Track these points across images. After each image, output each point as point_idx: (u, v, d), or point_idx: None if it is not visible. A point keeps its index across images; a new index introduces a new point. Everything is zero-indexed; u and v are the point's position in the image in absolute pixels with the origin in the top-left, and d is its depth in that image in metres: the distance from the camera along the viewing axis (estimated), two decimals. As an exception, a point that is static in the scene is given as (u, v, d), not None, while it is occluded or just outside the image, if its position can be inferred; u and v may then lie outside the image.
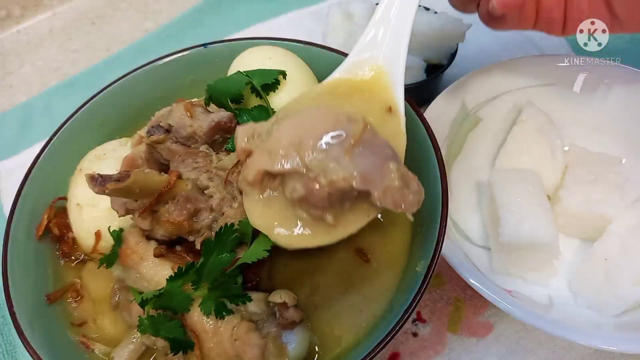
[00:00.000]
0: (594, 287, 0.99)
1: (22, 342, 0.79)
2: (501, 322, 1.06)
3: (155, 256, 0.81)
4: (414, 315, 1.08)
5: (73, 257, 0.98)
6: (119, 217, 0.85)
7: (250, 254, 0.80)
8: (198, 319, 0.78)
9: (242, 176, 0.78)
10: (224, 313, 0.78)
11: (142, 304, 0.78)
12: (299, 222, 0.76)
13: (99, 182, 0.71)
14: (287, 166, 0.72)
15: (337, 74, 0.90)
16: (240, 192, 0.84)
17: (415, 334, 1.06)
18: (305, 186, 0.71)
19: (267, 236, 0.78)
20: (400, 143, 0.82)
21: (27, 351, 0.78)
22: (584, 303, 1.01)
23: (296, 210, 0.75)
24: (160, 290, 0.78)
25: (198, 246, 0.81)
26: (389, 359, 1.03)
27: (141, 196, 0.79)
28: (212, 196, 0.82)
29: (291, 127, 0.76)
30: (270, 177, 0.75)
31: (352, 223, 0.76)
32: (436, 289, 1.11)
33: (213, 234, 0.81)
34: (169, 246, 0.84)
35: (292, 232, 0.76)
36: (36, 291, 0.91)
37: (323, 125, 0.74)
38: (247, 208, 0.79)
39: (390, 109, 0.84)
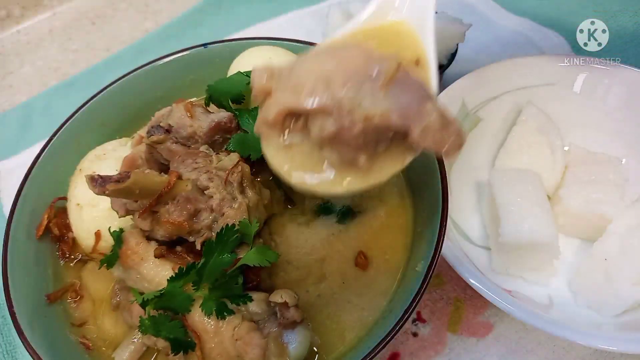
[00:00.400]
0: (594, 287, 0.99)
1: (22, 342, 0.79)
2: (501, 322, 1.06)
3: (155, 257, 0.81)
4: (414, 315, 1.08)
5: (73, 257, 0.98)
6: (119, 217, 0.85)
7: (251, 257, 0.80)
8: (199, 319, 0.78)
9: (261, 118, 0.70)
10: (225, 313, 0.78)
11: (143, 305, 0.78)
12: (327, 166, 0.69)
13: (99, 183, 0.71)
14: (316, 102, 0.65)
15: (356, 23, 0.81)
16: (241, 193, 0.84)
17: (415, 334, 1.06)
18: (337, 122, 0.64)
19: (268, 246, 0.82)
20: None
21: (27, 351, 0.78)
22: (584, 303, 1.01)
23: (324, 152, 0.68)
24: (161, 290, 0.78)
25: (198, 246, 0.81)
26: (389, 358, 1.03)
27: (141, 197, 0.79)
28: (212, 196, 0.82)
29: (318, 64, 0.69)
30: (293, 118, 0.68)
31: (387, 167, 0.70)
32: (436, 289, 1.11)
33: (213, 234, 0.81)
34: (169, 247, 0.84)
35: (320, 177, 0.69)
36: (36, 291, 0.91)
37: (354, 62, 0.67)
38: (267, 154, 0.72)
39: (417, 62, 0.77)
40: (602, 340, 0.86)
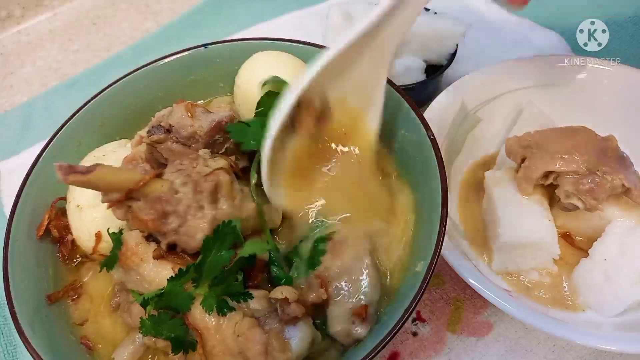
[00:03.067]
0: (594, 287, 0.99)
1: (23, 342, 0.80)
2: (501, 321, 1.06)
3: (154, 258, 0.81)
4: (413, 315, 1.08)
5: (73, 259, 0.98)
6: (102, 202, 0.84)
7: (247, 249, 0.80)
8: (200, 316, 0.78)
9: (522, 176, 1.02)
10: (226, 310, 0.78)
11: (144, 304, 0.78)
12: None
13: (63, 171, 0.71)
14: (569, 167, 0.98)
15: None
16: (212, 202, 0.82)
17: (415, 334, 1.06)
18: (593, 182, 0.98)
19: (260, 240, 0.83)
20: None
21: (28, 351, 0.79)
22: (584, 303, 1.01)
23: (571, 199, 1.01)
24: (161, 290, 0.78)
25: (163, 247, 0.81)
26: (389, 358, 1.03)
27: (106, 191, 0.79)
28: (180, 201, 0.80)
29: (562, 139, 1.02)
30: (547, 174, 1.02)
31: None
32: (436, 289, 1.11)
33: (180, 238, 0.80)
34: (169, 247, 0.84)
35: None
36: (37, 291, 0.91)
37: (587, 139, 1.02)
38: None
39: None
40: (602, 340, 0.86)
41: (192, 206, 0.80)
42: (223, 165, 0.86)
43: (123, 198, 0.79)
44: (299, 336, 0.81)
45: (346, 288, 0.85)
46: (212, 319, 0.78)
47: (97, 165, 0.74)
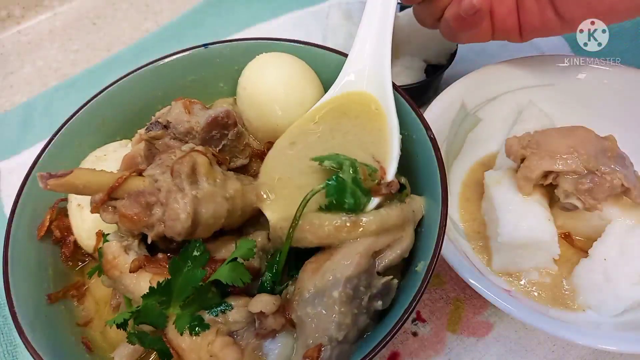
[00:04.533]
0: (594, 287, 0.99)
1: (23, 342, 0.80)
2: (501, 321, 1.06)
3: (131, 271, 0.80)
4: (413, 315, 1.08)
5: (77, 260, 0.99)
6: (91, 212, 0.83)
7: (224, 274, 0.77)
8: (174, 336, 0.77)
9: (522, 176, 1.02)
10: (199, 329, 0.76)
11: (122, 326, 0.77)
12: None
13: (43, 179, 0.72)
14: (569, 167, 0.98)
15: (327, 96, 1.03)
16: (192, 183, 0.80)
17: (415, 334, 1.06)
18: (593, 182, 0.98)
19: (243, 264, 0.78)
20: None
21: (28, 351, 0.79)
22: (584, 303, 1.01)
23: (570, 199, 1.01)
24: (137, 307, 0.77)
25: (149, 241, 0.80)
26: (389, 358, 1.03)
27: (87, 192, 0.78)
28: (160, 189, 0.80)
29: (562, 138, 1.02)
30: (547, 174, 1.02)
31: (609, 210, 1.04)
32: (436, 289, 1.11)
33: (167, 225, 0.78)
34: (152, 254, 0.83)
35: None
36: (37, 291, 0.91)
37: (587, 139, 1.02)
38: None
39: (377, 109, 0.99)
40: (602, 340, 0.86)
41: (172, 190, 0.79)
42: (197, 147, 0.85)
43: (106, 198, 0.78)
44: (276, 352, 0.78)
45: (309, 319, 0.76)
46: (186, 339, 0.76)
47: (75, 168, 0.74)
